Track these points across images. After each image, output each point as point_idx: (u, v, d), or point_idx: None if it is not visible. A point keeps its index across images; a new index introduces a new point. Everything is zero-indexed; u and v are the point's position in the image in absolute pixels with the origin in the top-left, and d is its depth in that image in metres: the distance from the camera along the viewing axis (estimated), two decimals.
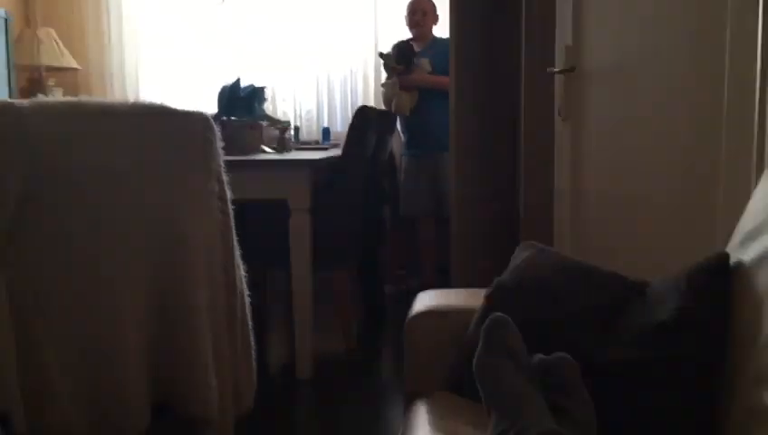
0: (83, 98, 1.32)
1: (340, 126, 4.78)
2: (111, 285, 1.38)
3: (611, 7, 2.23)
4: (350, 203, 3.07)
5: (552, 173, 2.57)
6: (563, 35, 2.42)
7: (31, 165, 1.23)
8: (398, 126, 4.24)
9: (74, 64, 4.58)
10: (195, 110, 1.46)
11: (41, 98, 1.28)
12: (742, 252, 1.25)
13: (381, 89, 4.27)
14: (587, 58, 2.33)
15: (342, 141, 3.45)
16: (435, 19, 4.11)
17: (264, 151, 3.22)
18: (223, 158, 1.60)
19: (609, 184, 2.24)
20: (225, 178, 1.55)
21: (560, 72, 2.41)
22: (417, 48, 4.08)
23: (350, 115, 4.70)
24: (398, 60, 3.99)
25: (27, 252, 1.32)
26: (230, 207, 1.57)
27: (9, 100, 1.39)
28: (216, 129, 1.51)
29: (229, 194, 1.56)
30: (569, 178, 2.43)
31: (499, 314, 1.24)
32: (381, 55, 4.12)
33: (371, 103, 4.80)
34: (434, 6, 4.11)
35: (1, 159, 1.20)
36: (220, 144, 1.53)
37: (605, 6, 2.26)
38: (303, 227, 2.79)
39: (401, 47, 4.04)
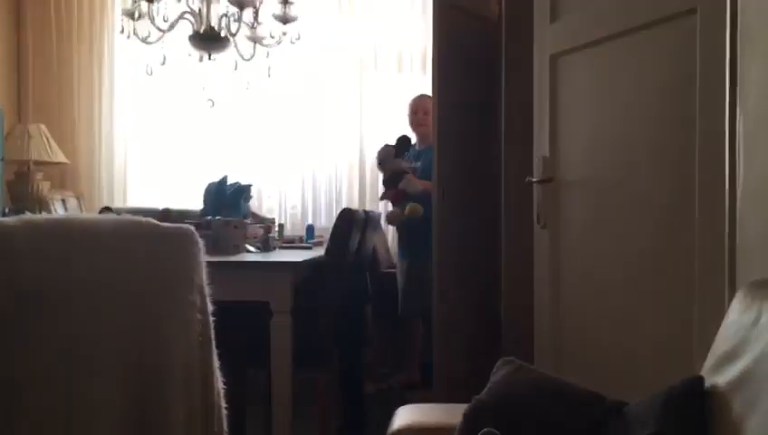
0: (71, 215, 1.34)
1: (325, 220, 4.84)
2: (87, 402, 1.37)
3: (584, 123, 2.33)
4: (332, 305, 3.07)
5: (532, 275, 2.60)
6: (541, 147, 2.51)
7: (14, 282, 1.25)
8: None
9: (63, 159, 4.64)
10: (179, 225, 1.48)
11: (28, 215, 1.30)
12: (716, 375, 1.27)
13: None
14: (564, 169, 2.41)
15: (326, 237, 3.48)
16: None
17: (248, 251, 3.24)
18: (205, 264, 1.62)
19: (587, 295, 2.27)
20: (206, 290, 1.57)
21: (538, 182, 2.48)
22: (419, 147, 4.15)
23: (334, 211, 4.79)
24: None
25: (3, 366, 1.31)
26: (210, 318, 1.57)
27: None
28: (201, 243, 1.53)
29: (210, 307, 1.56)
30: (548, 286, 2.46)
31: (490, 429, 1.24)
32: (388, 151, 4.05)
33: (355, 199, 4.88)
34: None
35: None
36: (204, 258, 1.55)
37: (579, 121, 2.36)
38: (285, 329, 2.79)
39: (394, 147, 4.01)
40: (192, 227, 1.51)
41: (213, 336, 1.60)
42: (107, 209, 3.19)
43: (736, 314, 1.31)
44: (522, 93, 2.69)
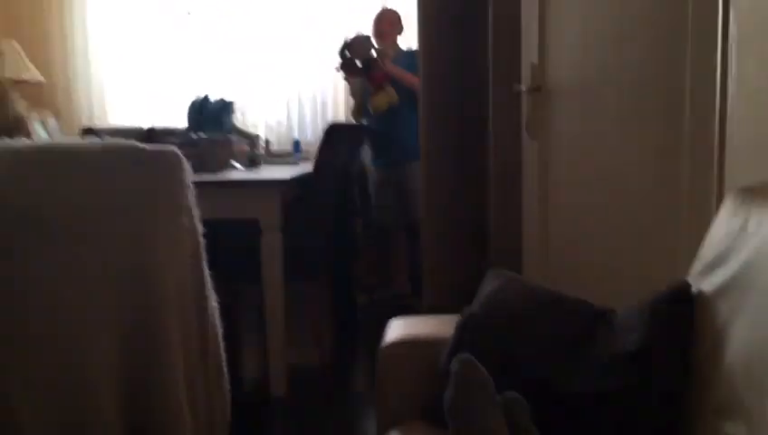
0: (53, 142, 1.31)
1: (311, 136, 4.78)
2: (81, 324, 1.38)
3: (573, 25, 2.27)
4: (321, 219, 3.08)
5: (521, 187, 2.60)
6: (529, 53, 2.46)
7: None
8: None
9: (39, 78, 4.52)
10: (164, 146, 1.45)
11: (6, 141, 1.26)
12: (703, 281, 1.29)
13: (347, 87, 4.25)
14: (552, 76, 2.37)
15: (313, 152, 3.45)
16: (400, 30, 4.14)
17: (235, 168, 3.21)
18: (193, 182, 1.60)
19: (576, 204, 2.28)
20: (195, 212, 1.55)
21: (526, 92, 2.44)
22: None
23: (319, 125, 4.73)
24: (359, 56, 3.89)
25: None
26: (201, 240, 1.57)
27: None
28: (187, 164, 1.51)
29: (200, 228, 1.56)
30: (536, 196, 2.46)
31: (467, 355, 1.26)
32: (342, 53, 3.93)
33: (341, 114, 4.81)
34: (399, 17, 4.14)
35: None
36: (190, 178, 1.53)
37: (567, 24, 2.30)
38: (275, 245, 2.80)
39: (358, 40, 3.92)
40: (177, 149, 1.48)
41: (204, 257, 1.60)
42: (89, 131, 3.12)
43: (723, 220, 1.32)
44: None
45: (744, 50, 1.57)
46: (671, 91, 1.82)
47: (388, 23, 4.08)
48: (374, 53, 3.86)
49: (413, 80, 3.60)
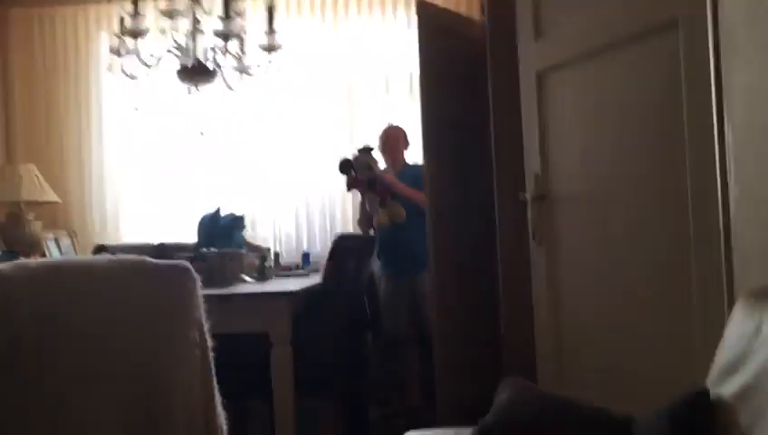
0: (64, 258, 1.34)
1: (320, 247, 4.82)
2: None
3: (574, 138, 2.34)
4: (331, 332, 3.05)
5: (530, 293, 2.60)
6: (532, 163, 2.52)
7: (10, 328, 1.23)
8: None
9: (54, 198, 4.63)
10: (176, 262, 1.47)
11: (22, 260, 1.29)
12: (721, 386, 1.27)
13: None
14: (556, 185, 2.42)
15: (322, 264, 3.47)
16: (406, 145, 4.23)
17: (245, 281, 3.23)
18: (203, 296, 1.61)
19: (587, 308, 2.26)
20: (205, 326, 1.55)
21: (531, 200, 2.48)
22: (392, 172, 4.18)
23: (329, 237, 4.77)
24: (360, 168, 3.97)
25: (5, 410, 1.29)
26: (210, 355, 1.56)
27: None
28: (197, 278, 1.52)
29: (209, 342, 1.55)
30: (547, 302, 2.45)
31: None
32: (342, 168, 3.99)
33: (349, 225, 4.87)
34: (404, 133, 4.23)
35: None
36: (201, 293, 1.54)
37: (569, 137, 2.37)
38: (285, 359, 2.77)
39: (359, 160, 3.96)
40: (188, 263, 1.50)
41: (213, 372, 1.58)
42: (101, 248, 3.17)
43: (737, 323, 1.31)
44: (510, 111, 2.70)
45: (740, 155, 1.61)
46: (674, 199, 1.85)
47: (393, 139, 4.17)
48: (373, 170, 3.93)
49: (416, 195, 3.67)
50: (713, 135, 1.70)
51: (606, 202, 2.17)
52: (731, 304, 1.55)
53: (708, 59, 1.73)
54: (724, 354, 1.31)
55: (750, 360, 1.22)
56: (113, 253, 3.24)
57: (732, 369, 1.26)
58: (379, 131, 4.33)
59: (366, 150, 4.03)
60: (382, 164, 4.13)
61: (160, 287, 1.44)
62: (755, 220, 1.57)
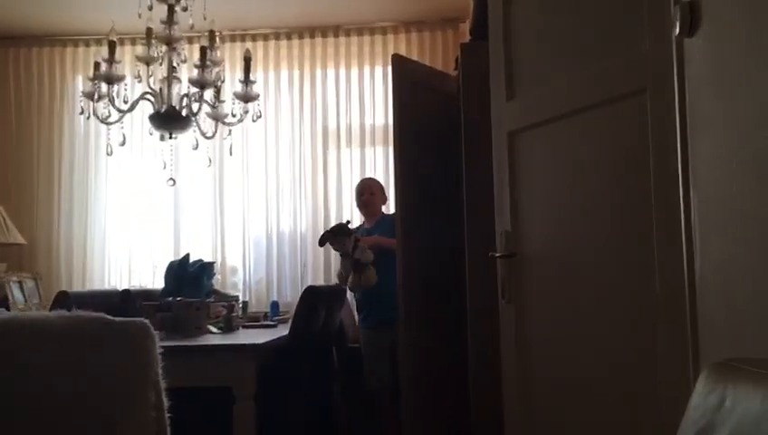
0: (18, 315, 1.30)
1: (290, 295, 4.78)
2: None
3: (544, 198, 2.35)
4: (299, 388, 2.99)
5: (499, 348, 2.57)
6: (502, 221, 2.52)
7: None
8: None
9: (20, 240, 4.55)
10: (134, 319, 1.44)
11: None
12: None
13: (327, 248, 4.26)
14: (526, 244, 2.42)
15: (292, 312, 3.41)
16: (383, 199, 4.23)
17: (210, 332, 3.17)
18: (165, 347, 1.56)
19: (555, 370, 2.24)
20: (162, 384, 1.51)
21: (501, 257, 2.48)
22: (367, 225, 4.17)
23: (299, 285, 4.74)
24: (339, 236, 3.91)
25: None
26: (166, 416, 1.51)
27: None
28: (156, 336, 1.48)
29: (165, 403, 1.50)
30: (516, 361, 2.43)
31: None
32: (326, 238, 3.91)
33: (321, 273, 4.84)
34: (381, 187, 4.24)
35: None
36: (158, 351, 1.50)
37: (539, 197, 2.38)
38: (248, 414, 2.70)
39: (337, 228, 3.92)
40: (146, 321, 1.46)
41: (169, 433, 1.53)
42: (64, 295, 3.10)
43: (701, 396, 1.30)
44: (483, 167, 2.72)
45: (706, 223, 1.62)
46: (641, 263, 1.86)
47: (369, 192, 4.16)
48: (350, 243, 3.86)
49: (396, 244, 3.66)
50: (679, 202, 1.72)
51: (574, 263, 2.18)
52: (696, 373, 1.55)
53: (675, 126, 1.75)
54: (688, 428, 1.29)
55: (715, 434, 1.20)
56: (71, 302, 3.17)
57: None
58: (356, 184, 4.35)
59: (339, 232, 3.90)
60: (357, 220, 4.13)
61: (116, 346, 1.39)
62: (720, 290, 1.57)
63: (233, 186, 4.92)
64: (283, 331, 3.29)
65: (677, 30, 1.70)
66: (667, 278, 1.76)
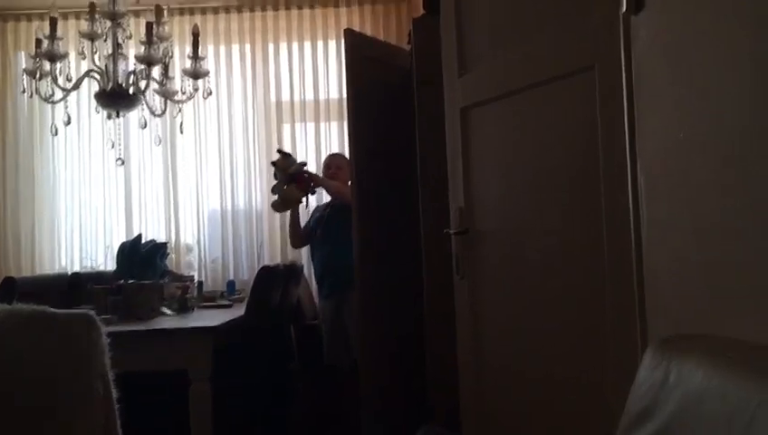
0: None
1: (247, 274, 4.73)
2: None
3: (496, 173, 2.36)
4: (255, 368, 2.98)
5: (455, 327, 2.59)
6: (456, 198, 2.53)
7: None
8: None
9: None
10: (78, 311, 1.40)
11: None
12: None
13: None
14: (479, 219, 2.43)
15: (248, 291, 3.38)
16: (348, 174, 4.16)
17: (164, 314, 3.12)
18: (115, 333, 1.54)
19: (507, 346, 2.27)
20: (110, 375, 1.48)
21: (455, 234, 2.49)
22: (332, 201, 4.12)
23: (256, 263, 4.69)
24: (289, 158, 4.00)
25: None
26: (115, 406, 1.48)
27: None
28: (102, 327, 1.44)
29: (114, 394, 1.48)
30: (470, 337, 2.45)
31: None
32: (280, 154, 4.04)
33: (277, 250, 4.80)
34: (348, 161, 4.17)
35: None
36: (106, 340, 1.47)
37: (491, 172, 2.39)
38: (204, 396, 2.68)
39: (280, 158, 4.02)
40: (91, 312, 1.43)
41: (118, 425, 1.51)
42: (10, 280, 3.01)
43: (647, 372, 1.32)
44: (437, 144, 2.71)
45: (653, 195, 1.64)
46: (589, 237, 1.88)
47: (336, 166, 4.12)
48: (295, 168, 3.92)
49: (340, 189, 3.70)
50: (626, 174, 1.74)
51: (524, 237, 2.20)
52: (644, 348, 1.58)
53: (623, 101, 1.76)
54: (633, 403, 1.32)
55: (658, 409, 1.23)
56: (24, 285, 3.10)
57: (641, 419, 1.27)
58: (313, 159, 4.31)
59: (285, 154, 4.02)
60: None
61: (60, 339, 1.36)
62: (668, 261, 1.60)
63: (186, 163, 4.83)
64: (239, 311, 3.27)
65: (624, 7, 1.71)
66: (614, 253, 1.79)
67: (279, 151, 4.07)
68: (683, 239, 1.54)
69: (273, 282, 3.10)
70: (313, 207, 4.17)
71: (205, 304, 3.74)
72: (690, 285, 1.51)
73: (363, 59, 3.46)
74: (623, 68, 1.76)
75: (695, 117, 1.50)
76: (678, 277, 1.56)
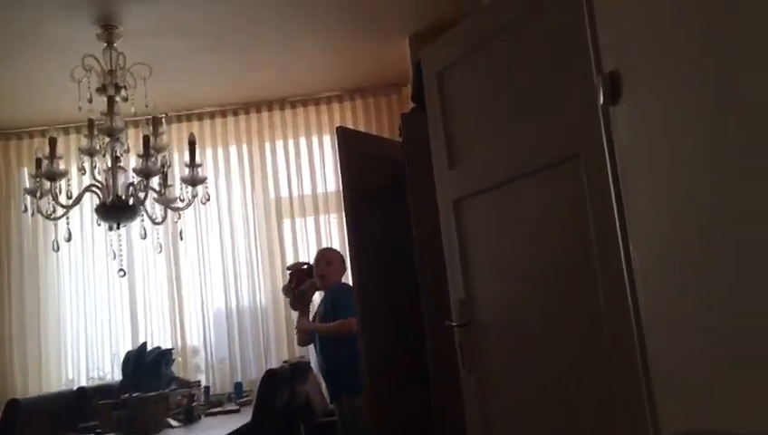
0: None
1: (255, 373, 4.66)
2: None
3: (493, 264, 2.37)
4: None
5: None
6: (456, 289, 2.52)
7: None
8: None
9: None
10: None
11: None
12: None
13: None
14: (480, 310, 2.42)
15: (256, 391, 3.32)
16: (340, 269, 4.12)
17: (170, 426, 3.07)
18: None
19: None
20: None
21: (457, 326, 2.47)
22: (319, 295, 4.12)
23: (263, 362, 4.65)
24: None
25: None
26: None
27: None
28: None
29: None
30: (480, 430, 2.40)
31: None
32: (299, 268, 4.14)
33: (284, 348, 4.75)
34: (340, 257, 4.14)
35: None
36: None
37: (488, 263, 2.39)
38: None
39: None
40: None
41: None
42: (13, 405, 2.97)
43: None
44: (434, 234, 2.72)
45: (648, 279, 1.64)
46: (588, 318, 1.87)
47: (325, 262, 4.10)
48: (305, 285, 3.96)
49: (329, 329, 3.68)
50: (621, 259, 1.73)
51: (524, 328, 2.19)
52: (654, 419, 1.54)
53: (609, 186, 1.78)
54: None
55: None
56: (29, 406, 3.05)
57: None
58: (314, 253, 4.31)
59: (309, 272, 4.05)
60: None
61: None
62: (667, 346, 1.57)
63: (189, 266, 4.85)
64: (247, 416, 3.21)
65: (602, 99, 1.75)
66: (615, 332, 1.77)
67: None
68: (679, 311, 1.52)
69: (278, 384, 3.06)
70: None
71: (212, 410, 3.67)
72: (694, 374, 1.48)
73: (357, 154, 3.52)
74: (606, 154, 1.79)
75: (680, 196, 1.50)
76: (683, 370, 1.53)
